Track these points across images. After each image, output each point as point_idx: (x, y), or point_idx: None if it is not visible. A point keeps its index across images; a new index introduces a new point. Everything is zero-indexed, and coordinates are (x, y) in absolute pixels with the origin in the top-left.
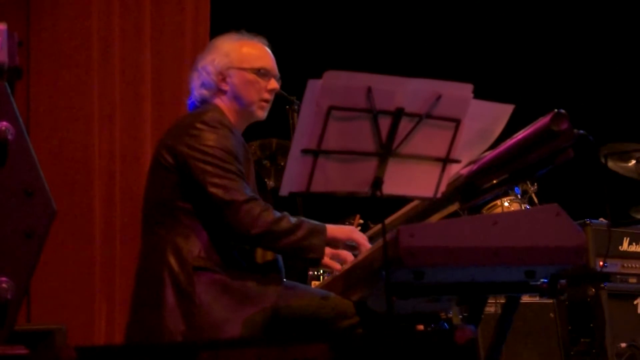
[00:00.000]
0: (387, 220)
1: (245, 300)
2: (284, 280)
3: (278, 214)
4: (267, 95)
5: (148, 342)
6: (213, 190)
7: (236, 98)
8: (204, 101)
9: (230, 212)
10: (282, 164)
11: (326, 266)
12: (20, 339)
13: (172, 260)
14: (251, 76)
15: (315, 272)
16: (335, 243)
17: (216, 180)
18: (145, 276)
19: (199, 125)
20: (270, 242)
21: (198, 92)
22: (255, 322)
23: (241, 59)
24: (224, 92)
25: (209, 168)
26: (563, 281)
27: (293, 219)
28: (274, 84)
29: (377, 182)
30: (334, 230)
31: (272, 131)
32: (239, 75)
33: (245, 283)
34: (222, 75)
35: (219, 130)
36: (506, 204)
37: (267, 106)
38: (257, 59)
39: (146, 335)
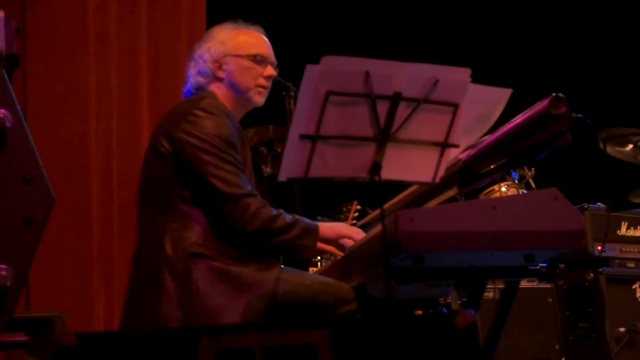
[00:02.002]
0: (386, 206)
1: (243, 287)
2: (282, 266)
3: (274, 211)
4: (263, 82)
5: (144, 328)
6: (212, 180)
7: (232, 85)
8: (199, 88)
9: (227, 206)
10: (279, 150)
11: (328, 252)
12: (19, 326)
13: (169, 247)
14: (247, 63)
15: (313, 259)
16: (326, 242)
17: (214, 171)
18: (141, 263)
19: (196, 112)
20: (264, 239)
21: (194, 79)
22: (253, 309)
23: (237, 46)
24: (220, 80)
25: (207, 157)
26: (562, 265)
27: (288, 218)
28: (270, 71)
29: (376, 167)
30: (325, 230)
31: (268, 118)
32: (235, 62)
33: (243, 270)
34: (219, 63)
35: (217, 117)
36: (504, 189)
37: (265, 92)
38: (253, 46)
39: (142, 322)
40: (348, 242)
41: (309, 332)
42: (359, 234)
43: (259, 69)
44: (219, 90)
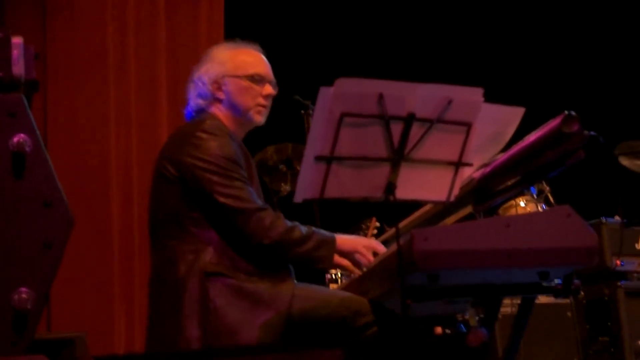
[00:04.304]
0: (401, 224)
1: (260, 303)
2: (295, 281)
3: (289, 223)
4: (262, 101)
5: (167, 349)
6: (222, 200)
7: (232, 106)
8: (200, 110)
9: (241, 221)
10: (298, 168)
11: (345, 268)
12: (41, 348)
13: (184, 269)
14: (245, 83)
15: (333, 276)
16: (343, 255)
17: (223, 190)
18: (158, 287)
19: (199, 134)
20: (281, 251)
21: (194, 102)
22: (270, 326)
23: (235, 67)
24: (220, 101)
25: (215, 178)
26: (577, 281)
27: (304, 229)
28: (269, 89)
29: (390, 187)
30: (343, 242)
31: (287, 136)
32: (233, 82)
33: (258, 286)
34: (218, 84)
35: (220, 138)
36: (522, 203)
37: (265, 111)
38: (250, 65)
39: (165, 344)
40: (361, 258)
41: (323, 352)
42: (377, 245)
43: (257, 89)
44: (219, 111)
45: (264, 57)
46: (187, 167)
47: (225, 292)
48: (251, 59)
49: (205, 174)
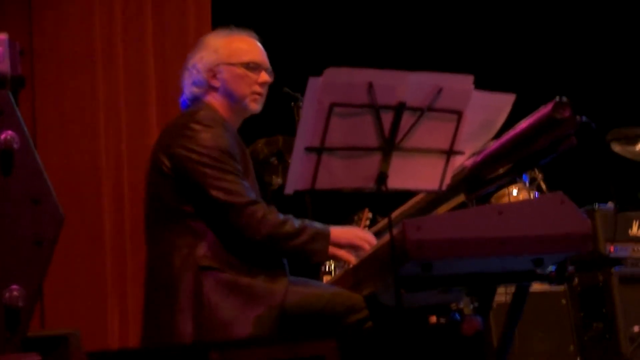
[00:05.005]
0: (394, 214)
1: (254, 298)
2: (289, 276)
3: (282, 216)
4: (258, 89)
5: (161, 344)
6: (214, 192)
7: (227, 94)
8: (195, 99)
9: (232, 215)
10: (289, 161)
11: (340, 258)
12: (34, 345)
13: (178, 263)
14: (240, 70)
15: (327, 268)
16: (339, 247)
17: (216, 183)
18: (153, 280)
19: (192, 125)
20: (274, 245)
21: (189, 90)
22: (264, 321)
23: (230, 54)
24: (215, 89)
25: (207, 170)
26: (571, 268)
27: (297, 223)
28: (264, 77)
29: (382, 177)
30: (337, 234)
31: (278, 128)
32: (228, 70)
33: (252, 281)
34: (212, 72)
35: (213, 129)
36: (514, 191)
37: (260, 99)
38: (245, 53)
39: (159, 338)
40: (358, 248)
41: (317, 343)
42: (372, 238)
43: (253, 76)
44: (214, 100)
45: (259, 44)
46: (180, 159)
47: (219, 287)
48: (246, 46)
49: (198, 167)
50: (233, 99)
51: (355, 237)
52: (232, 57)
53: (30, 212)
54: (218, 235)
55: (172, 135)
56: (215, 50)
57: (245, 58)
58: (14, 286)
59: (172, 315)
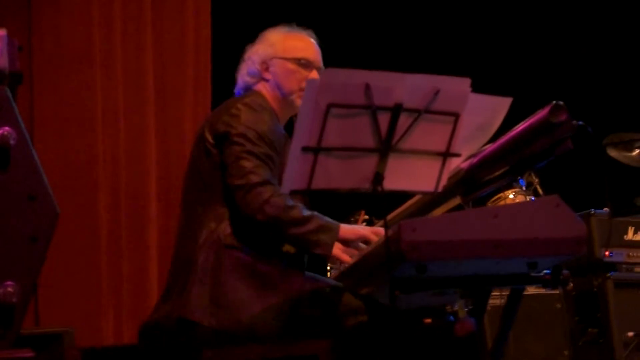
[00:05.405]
0: (390, 216)
1: (269, 285)
2: (306, 272)
3: (291, 201)
4: None
5: (174, 318)
6: (231, 169)
7: (278, 86)
8: (247, 88)
9: (241, 193)
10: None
11: (336, 258)
12: (29, 342)
13: (203, 238)
14: (292, 66)
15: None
16: (346, 244)
17: (238, 162)
18: (177, 254)
19: (239, 106)
20: (277, 228)
21: (242, 79)
22: (274, 309)
23: (284, 49)
24: (266, 80)
25: (236, 148)
26: (566, 272)
27: (306, 211)
28: (315, 75)
29: (378, 178)
30: (346, 231)
31: None
32: (281, 64)
33: (271, 268)
34: (266, 65)
35: (257, 113)
36: (511, 195)
37: None
38: (300, 49)
39: (175, 308)
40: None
41: (311, 343)
42: (381, 231)
43: (303, 73)
44: (265, 90)
45: (315, 44)
46: (219, 134)
47: (239, 267)
48: (301, 44)
49: (230, 144)
50: (282, 92)
51: (365, 230)
52: (286, 52)
53: (26, 208)
54: (241, 216)
55: (219, 114)
56: (272, 44)
57: (299, 54)
58: (8, 282)
59: (190, 286)
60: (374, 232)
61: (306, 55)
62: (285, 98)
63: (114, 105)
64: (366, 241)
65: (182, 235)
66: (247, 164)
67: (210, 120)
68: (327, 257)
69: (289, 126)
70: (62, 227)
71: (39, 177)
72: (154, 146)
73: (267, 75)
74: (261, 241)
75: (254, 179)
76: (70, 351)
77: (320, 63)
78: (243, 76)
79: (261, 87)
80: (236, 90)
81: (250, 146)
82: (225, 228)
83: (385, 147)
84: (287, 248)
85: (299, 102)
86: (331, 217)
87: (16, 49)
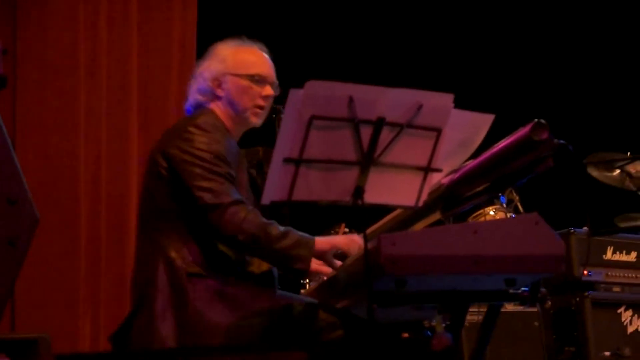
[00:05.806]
0: (370, 229)
1: (239, 306)
2: (278, 290)
3: (264, 218)
4: (261, 102)
5: (137, 347)
6: (199, 193)
7: (230, 104)
8: (198, 106)
9: (215, 215)
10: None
11: (315, 272)
12: (4, 348)
13: (166, 266)
14: (245, 82)
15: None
16: (322, 256)
17: (203, 184)
18: (139, 281)
19: (191, 129)
20: (257, 246)
21: (193, 97)
22: (247, 329)
23: (236, 65)
24: (219, 98)
25: (197, 170)
26: (544, 289)
27: (281, 228)
28: (268, 91)
29: (359, 191)
30: (320, 242)
31: (258, 139)
32: (233, 81)
33: (239, 290)
34: (218, 81)
35: (210, 134)
36: (491, 212)
37: (262, 113)
38: (252, 65)
39: (139, 341)
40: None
41: (288, 354)
42: (358, 238)
43: (257, 89)
44: (217, 108)
45: (267, 57)
46: (174, 159)
47: (206, 294)
48: (253, 58)
49: (188, 167)
50: (235, 109)
51: (338, 239)
52: (238, 68)
53: (6, 212)
54: (208, 242)
55: (170, 137)
56: (223, 59)
57: (252, 70)
58: None
59: (152, 318)
60: (348, 240)
61: (259, 71)
62: (238, 115)
63: (97, 112)
64: (340, 250)
65: (139, 261)
66: (214, 185)
67: (161, 144)
68: (306, 272)
69: (243, 140)
70: (41, 232)
71: (19, 181)
72: (135, 151)
73: (220, 92)
74: (227, 264)
75: (226, 199)
76: (46, 357)
77: (274, 78)
78: (194, 93)
79: (213, 106)
80: (186, 106)
81: (211, 167)
82: (186, 256)
83: (367, 160)
84: (253, 268)
85: (253, 119)
86: (311, 230)
87: (0, 52)
